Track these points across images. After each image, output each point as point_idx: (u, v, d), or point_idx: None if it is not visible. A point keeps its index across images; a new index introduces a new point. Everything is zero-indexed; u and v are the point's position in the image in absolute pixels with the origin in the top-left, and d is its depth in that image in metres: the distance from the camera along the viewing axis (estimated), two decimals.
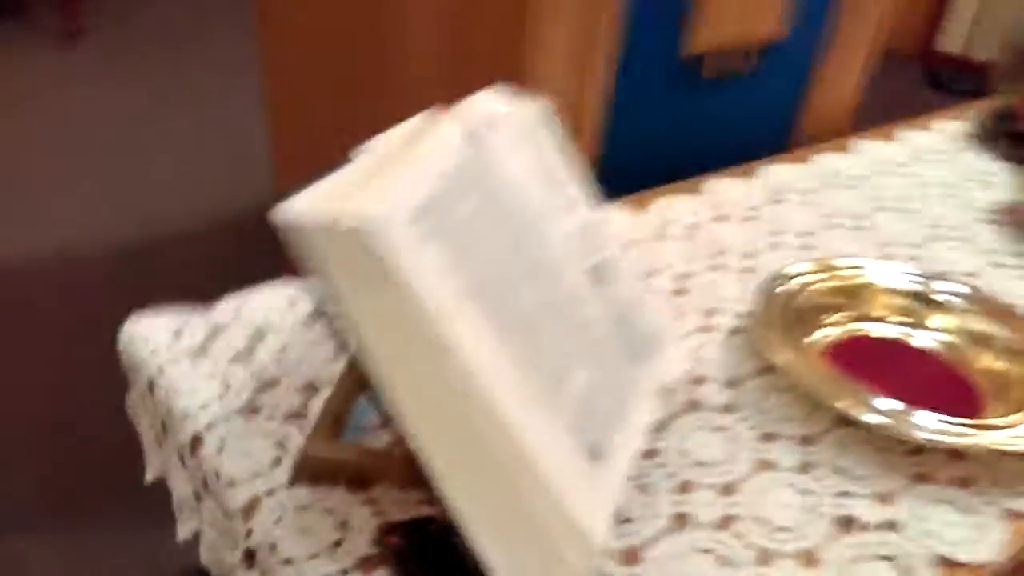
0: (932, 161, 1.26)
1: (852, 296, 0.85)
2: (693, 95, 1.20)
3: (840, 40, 1.33)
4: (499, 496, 0.50)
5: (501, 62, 1.02)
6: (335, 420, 0.64)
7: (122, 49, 3.05)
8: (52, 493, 1.42)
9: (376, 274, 0.47)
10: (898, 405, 0.69)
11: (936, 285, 0.86)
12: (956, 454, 0.69)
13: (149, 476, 0.78)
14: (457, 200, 0.53)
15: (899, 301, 0.85)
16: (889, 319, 0.84)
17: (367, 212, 0.46)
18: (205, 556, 0.69)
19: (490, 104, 0.66)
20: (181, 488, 0.71)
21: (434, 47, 1.12)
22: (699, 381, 0.76)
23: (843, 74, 1.37)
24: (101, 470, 1.44)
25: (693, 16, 1.11)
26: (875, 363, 0.78)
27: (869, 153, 1.26)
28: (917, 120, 1.38)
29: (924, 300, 0.85)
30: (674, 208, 1.05)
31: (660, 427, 0.70)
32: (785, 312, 0.80)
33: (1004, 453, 0.68)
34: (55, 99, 2.68)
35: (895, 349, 0.81)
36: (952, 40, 3.75)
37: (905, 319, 0.84)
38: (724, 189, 1.10)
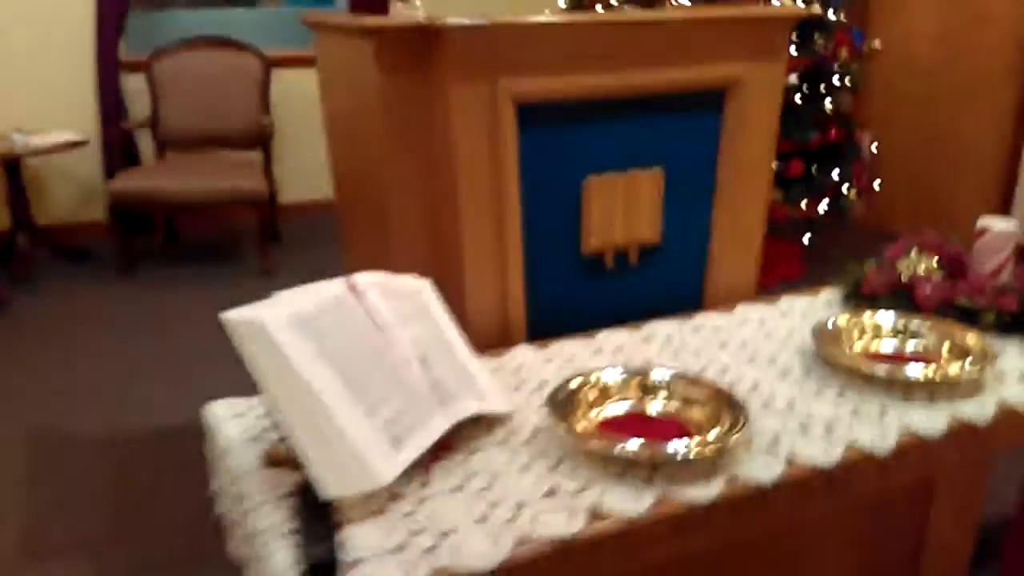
0: (787, 317, 1.72)
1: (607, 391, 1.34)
2: (603, 282, 1.76)
3: (721, 236, 1.85)
4: (326, 451, 1.06)
5: (448, 268, 1.64)
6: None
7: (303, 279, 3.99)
8: None
9: (261, 342, 1.07)
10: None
11: (653, 373, 1.35)
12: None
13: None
14: (325, 315, 1.14)
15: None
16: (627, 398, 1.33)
17: (260, 316, 1.08)
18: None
19: (379, 277, 1.27)
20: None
21: (420, 262, 1.76)
22: (517, 430, 1.28)
23: (734, 261, 1.88)
24: None
25: (583, 226, 1.70)
26: (624, 426, 1.27)
27: (747, 313, 1.74)
28: (811, 289, 1.86)
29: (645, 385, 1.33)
30: (565, 350, 1.58)
31: (476, 450, 1.22)
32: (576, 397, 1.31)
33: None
34: None
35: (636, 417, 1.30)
36: None
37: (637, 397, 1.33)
38: (609, 336, 1.63)
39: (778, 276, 3.68)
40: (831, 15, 3.38)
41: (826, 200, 3.42)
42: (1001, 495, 2.02)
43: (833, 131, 3.46)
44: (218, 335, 3.69)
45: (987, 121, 4.10)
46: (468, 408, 1.24)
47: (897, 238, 1.81)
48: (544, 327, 1.71)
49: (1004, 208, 4.08)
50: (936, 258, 1.74)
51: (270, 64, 4.53)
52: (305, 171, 4.95)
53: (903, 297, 1.68)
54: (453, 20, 1.49)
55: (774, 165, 3.37)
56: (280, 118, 4.75)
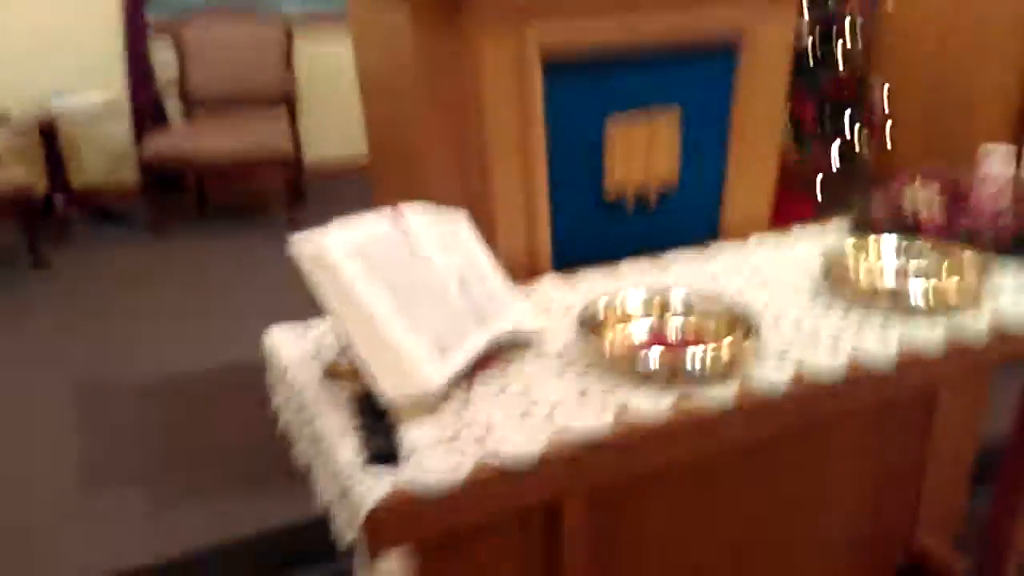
0: (798, 246, 1.83)
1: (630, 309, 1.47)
2: (624, 222, 1.88)
3: (736, 176, 1.96)
4: (383, 360, 1.19)
5: (480, 215, 1.76)
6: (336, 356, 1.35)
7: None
8: None
9: (326, 268, 1.20)
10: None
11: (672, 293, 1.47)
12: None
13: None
14: (376, 242, 1.27)
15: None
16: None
17: (323, 243, 1.20)
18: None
19: (422, 209, 1.39)
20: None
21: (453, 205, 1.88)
22: (549, 346, 1.40)
23: (748, 198, 1.99)
24: None
25: (606, 167, 1.81)
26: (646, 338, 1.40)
27: (760, 243, 1.86)
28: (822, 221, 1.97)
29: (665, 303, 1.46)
30: (589, 279, 1.70)
31: (513, 363, 1.35)
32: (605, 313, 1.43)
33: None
34: None
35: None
36: None
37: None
38: (630, 268, 1.75)
39: (792, 220, 3.76)
40: None
41: (838, 145, 3.50)
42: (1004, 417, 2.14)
43: (845, 84, 3.53)
44: (248, 288, 3.87)
45: (997, 72, 4.14)
46: (504, 325, 1.37)
47: None
48: (569, 263, 1.83)
49: (1016, 144, 4.13)
50: (938, 186, 1.84)
51: (293, 26, 4.63)
52: (329, 131, 5.07)
53: (907, 224, 1.79)
54: None
55: (787, 116, 3.47)
56: (304, 78, 4.86)
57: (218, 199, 4.88)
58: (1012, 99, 4.12)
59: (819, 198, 3.72)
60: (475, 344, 1.31)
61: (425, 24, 1.68)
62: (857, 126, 3.48)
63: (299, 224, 4.23)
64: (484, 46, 1.64)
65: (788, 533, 1.89)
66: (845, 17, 3.46)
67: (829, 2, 3.40)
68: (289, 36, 4.62)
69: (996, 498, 1.97)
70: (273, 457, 1.92)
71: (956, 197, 1.83)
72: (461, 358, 1.27)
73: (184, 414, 2.74)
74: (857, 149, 3.51)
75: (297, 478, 1.45)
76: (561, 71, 1.72)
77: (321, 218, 1.33)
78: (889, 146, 3.68)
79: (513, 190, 1.76)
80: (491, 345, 1.34)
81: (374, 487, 1.08)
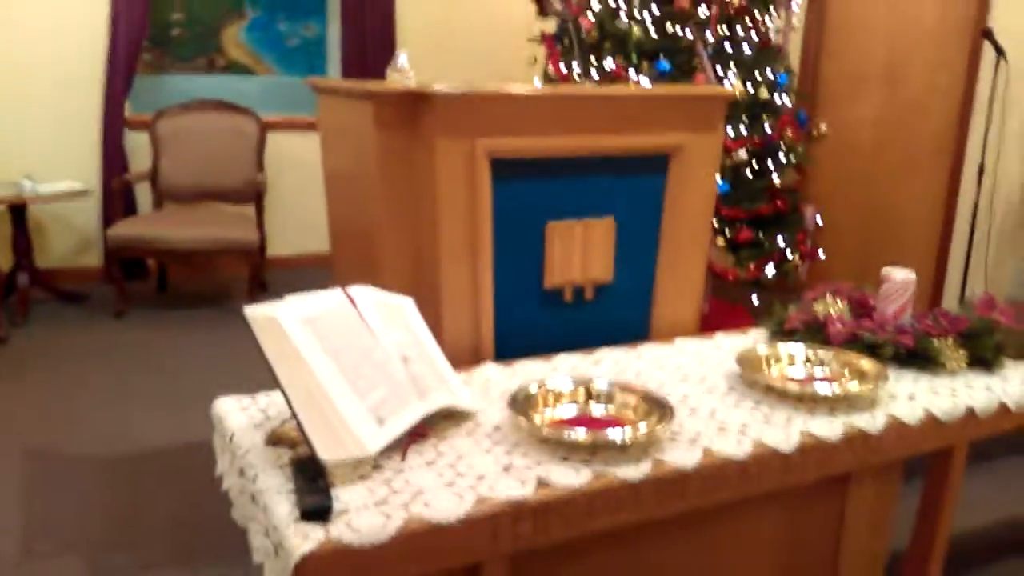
0: (719, 349, 1.99)
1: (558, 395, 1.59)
2: (561, 319, 2.03)
3: (665, 280, 2.13)
4: (323, 423, 1.30)
5: (429, 303, 1.91)
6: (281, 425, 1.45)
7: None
8: None
9: (275, 334, 1.32)
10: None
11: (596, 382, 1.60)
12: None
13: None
14: (326, 316, 1.39)
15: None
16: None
17: (276, 312, 1.33)
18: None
19: (371, 290, 1.53)
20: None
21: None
22: (482, 425, 1.52)
23: (676, 301, 2.16)
24: None
25: (545, 265, 1.98)
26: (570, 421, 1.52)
27: (685, 344, 2.01)
28: (738, 329, 2.13)
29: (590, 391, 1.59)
30: (526, 368, 1.84)
31: (446, 438, 1.46)
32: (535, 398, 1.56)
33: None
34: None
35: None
36: (952, 302, 4.36)
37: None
38: (565, 359, 1.88)
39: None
40: (777, 99, 3.75)
41: (772, 264, 3.73)
42: None
43: (779, 202, 3.79)
44: (205, 371, 3.89)
45: (920, 196, 4.48)
46: (442, 399, 1.49)
47: None
48: (509, 352, 1.96)
49: (938, 275, 4.42)
50: (847, 301, 2.03)
51: (265, 127, 4.85)
52: (293, 226, 5.24)
53: (817, 333, 1.96)
54: (439, 87, 1.79)
55: (724, 231, 3.70)
56: (272, 177, 5.05)
57: (180, 286, 4.97)
58: (934, 213, 4.43)
59: (755, 304, 3.92)
60: (412, 415, 1.42)
61: (387, 129, 1.86)
62: (788, 250, 3.73)
63: None
64: (439, 151, 1.82)
65: None
66: (779, 140, 3.75)
67: (765, 125, 3.70)
68: (262, 135, 4.84)
69: None
70: (218, 532, 1.96)
71: (862, 311, 2.02)
72: (398, 427, 1.38)
73: (131, 490, 2.76)
74: (789, 264, 3.74)
75: (239, 550, 1.51)
76: (508, 176, 1.91)
77: None
78: (815, 268, 3.92)
79: (460, 282, 1.91)
80: (427, 418, 1.46)
81: (304, 542, 1.16)
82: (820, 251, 4.05)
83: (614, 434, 1.41)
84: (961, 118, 4.29)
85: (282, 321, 1.32)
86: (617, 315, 2.11)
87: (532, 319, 2.02)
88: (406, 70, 2.07)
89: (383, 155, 1.88)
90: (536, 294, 2.01)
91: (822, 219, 4.06)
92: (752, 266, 3.73)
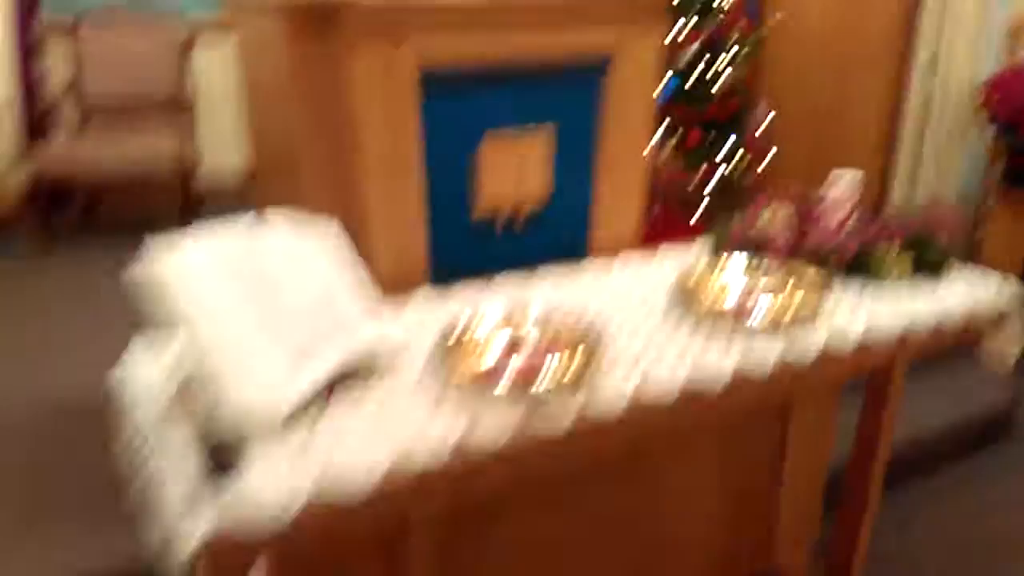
0: (661, 266, 1.92)
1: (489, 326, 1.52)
2: (497, 239, 1.94)
3: (604, 195, 2.04)
4: (234, 378, 1.21)
5: (353, 227, 1.80)
6: None
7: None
8: None
9: (174, 284, 1.21)
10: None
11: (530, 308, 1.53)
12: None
13: None
14: (237, 252, 1.29)
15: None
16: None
17: (171, 258, 1.22)
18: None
19: (290, 217, 1.42)
20: None
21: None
22: (409, 366, 1.44)
23: (616, 217, 2.07)
24: None
25: (477, 184, 1.87)
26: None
27: (626, 262, 1.94)
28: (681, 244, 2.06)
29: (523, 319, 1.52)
30: (461, 295, 1.75)
31: (371, 383, 1.38)
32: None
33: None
34: None
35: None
36: (898, 194, 4.36)
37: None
38: (502, 284, 1.80)
39: (679, 237, 3.90)
40: None
41: (723, 167, 3.65)
42: None
43: (729, 103, 3.68)
44: (127, 314, 3.66)
45: (872, 89, 4.39)
46: (363, 343, 1.40)
47: None
48: (446, 278, 1.87)
49: (887, 172, 4.38)
50: (792, 208, 1.96)
51: (195, 30, 4.57)
52: (228, 139, 5.00)
53: (760, 243, 1.89)
54: None
55: (676, 133, 3.60)
56: (205, 85, 4.79)
57: (109, 213, 4.75)
58: (884, 109, 4.37)
59: (702, 216, 3.87)
60: (330, 363, 1.34)
61: (298, 34, 1.71)
62: (739, 148, 3.64)
63: None
64: (357, 59, 1.68)
65: (645, 546, 1.97)
66: (730, 36, 3.61)
67: (714, 19, 3.55)
68: (190, 40, 4.56)
69: (837, 519, 2.11)
70: (116, 496, 1.85)
71: (806, 219, 1.95)
72: (315, 377, 1.30)
73: (55, 439, 2.66)
74: (736, 170, 3.66)
75: (138, 518, 1.43)
76: (438, 87, 1.77)
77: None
78: (767, 167, 3.85)
79: (388, 204, 1.80)
80: (349, 363, 1.38)
81: (210, 513, 1.09)
82: (770, 153, 3.97)
83: (546, 369, 1.35)
84: (911, 7, 4.17)
85: (180, 268, 1.22)
86: (557, 234, 2.02)
87: (468, 242, 1.93)
88: None
89: (298, 72, 1.74)
90: (468, 221, 1.91)
91: (775, 116, 3.97)
92: (703, 169, 3.64)
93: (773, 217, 1.92)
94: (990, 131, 3.84)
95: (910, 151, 4.23)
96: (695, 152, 3.64)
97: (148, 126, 4.52)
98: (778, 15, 4.48)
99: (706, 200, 3.72)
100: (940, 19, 3.98)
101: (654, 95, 2.09)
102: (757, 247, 1.90)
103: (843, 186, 1.91)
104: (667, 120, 3.57)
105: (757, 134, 3.75)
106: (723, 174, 3.67)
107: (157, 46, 4.54)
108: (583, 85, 1.94)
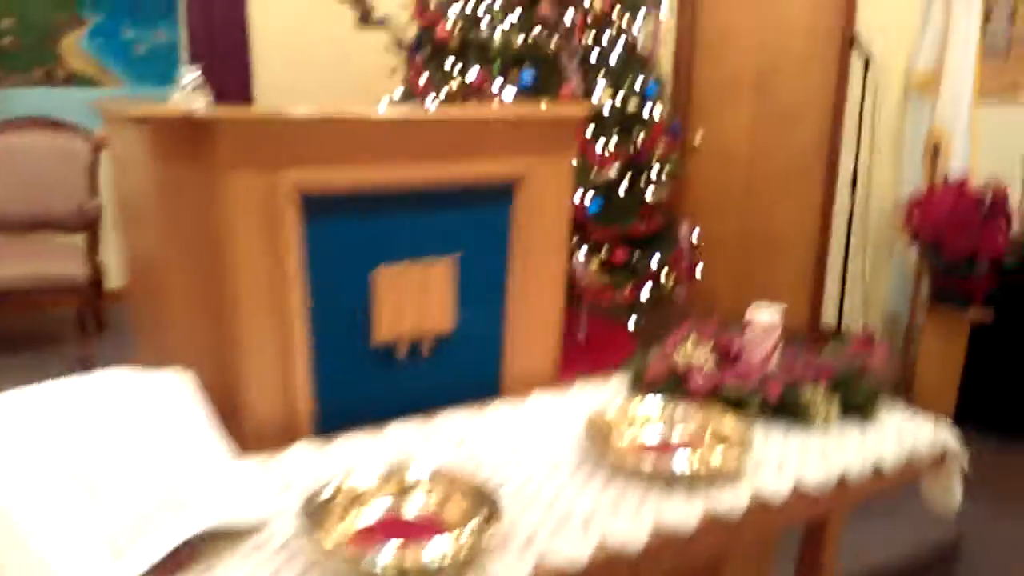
0: (575, 406, 1.75)
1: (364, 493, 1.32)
2: (396, 377, 1.76)
3: (516, 325, 1.89)
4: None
5: (226, 368, 1.60)
6: None
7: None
8: None
9: None
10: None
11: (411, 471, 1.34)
12: None
13: None
14: (52, 419, 1.08)
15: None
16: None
17: None
18: None
19: (128, 374, 1.22)
20: None
21: (201, 352, 1.71)
22: (271, 539, 1.23)
23: (529, 348, 1.92)
24: None
25: (373, 317, 1.70)
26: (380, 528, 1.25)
27: (538, 402, 1.76)
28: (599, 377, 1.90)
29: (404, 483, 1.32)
30: (347, 447, 1.55)
31: (218, 563, 1.16)
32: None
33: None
34: None
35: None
36: (830, 315, 4.31)
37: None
38: (397, 430, 1.61)
39: (606, 361, 3.76)
40: (647, 109, 3.58)
41: (648, 285, 3.55)
42: None
43: (653, 220, 3.63)
44: None
45: (797, 208, 4.41)
46: (212, 513, 1.19)
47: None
48: (333, 421, 1.67)
49: (816, 291, 4.36)
50: (711, 345, 1.83)
51: (100, 145, 4.39)
52: None
53: (679, 384, 1.74)
54: (227, 111, 1.49)
55: (599, 252, 3.50)
56: (110, 201, 4.58)
57: (4, 327, 4.45)
58: (811, 227, 4.37)
59: (632, 328, 3.76)
60: (167, 540, 1.12)
61: (166, 150, 1.54)
62: (664, 263, 3.56)
63: (92, 359, 3.90)
64: (231, 181, 1.51)
65: None
66: (652, 153, 3.58)
67: (636, 139, 3.52)
68: (96, 155, 4.37)
69: None
70: None
71: (726, 354, 1.82)
72: (146, 558, 1.08)
73: None
74: (663, 288, 3.58)
75: None
76: (325, 212, 1.62)
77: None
78: (696, 285, 3.78)
79: (265, 337, 1.61)
80: (191, 539, 1.16)
81: None
82: (698, 269, 3.91)
83: (427, 553, 1.15)
84: (833, 126, 4.24)
85: None
86: (463, 369, 1.85)
87: (361, 381, 1.74)
88: (197, 88, 1.74)
89: (164, 192, 1.57)
90: (365, 351, 1.73)
91: (700, 235, 3.93)
92: (628, 289, 3.54)
93: (692, 351, 1.78)
94: (915, 249, 3.84)
95: (838, 270, 4.21)
96: (620, 271, 3.55)
97: (50, 240, 4.28)
98: (700, 134, 4.52)
99: (631, 320, 3.62)
100: (861, 135, 4.04)
101: (565, 219, 1.97)
102: (675, 383, 1.75)
103: (765, 319, 1.79)
104: (587, 241, 3.47)
105: (682, 253, 3.68)
106: (650, 292, 3.57)
107: (64, 158, 4.35)
108: (488, 212, 1.81)
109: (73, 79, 5.13)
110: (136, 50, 5.29)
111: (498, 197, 1.81)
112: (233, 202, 1.52)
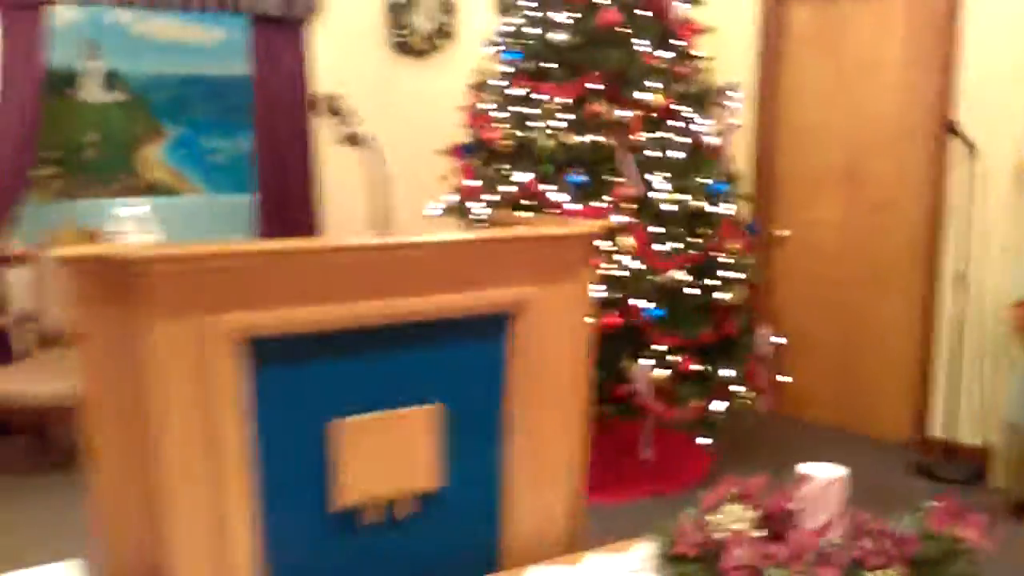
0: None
1: None
2: (366, 540, 1.47)
3: (518, 479, 1.58)
4: None
5: (155, 535, 1.36)
6: None
7: None
8: None
9: None
10: None
11: None
12: None
13: None
14: None
15: None
16: None
17: None
18: None
19: None
20: None
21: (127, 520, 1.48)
22: None
23: (538, 509, 1.60)
24: None
25: (336, 475, 1.43)
26: None
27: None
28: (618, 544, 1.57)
29: None
30: None
31: None
32: None
33: None
34: None
35: None
36: (938, 425, 3.79)
37: None
38: None
39: (679, 481, 3.39)
40: (712, 206, 3.26)
41: (720, 399, 3.18)
42: None
43: (727, 325, 3.27)
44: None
45: (898, 310, 3.94)
46: None
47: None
48: None
49: (920, 399, 3.84)
50: (757, 509, 1.48)
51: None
52: None
53: (714, 560, 1.40)
54: (153, 249, 1.29)
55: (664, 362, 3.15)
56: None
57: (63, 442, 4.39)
58: (912, 332, 3.88)
59: (708, 444, 3.37)
60: None
61: (89, 298, 1.34)
62: (738, 373, 3.19)
63: None
64: (157, 331, 1.29)
65: None
66: (723, 253, 3.25)
67: (702, 239, 3.20)
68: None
69: None
70: None
71: (778, 525, 1.46)
72: None
73: None
74: (741, 400, 3.19)
75: None
76: (278, 360, 1.39)
77: None
78: (783, 401, 3.37)
79: (200, 511, 1.35)
80: None
81: None
82: (780, 376, 3.50)
83: None
84: (933, 219, 3.79)
85: None
86: (452, 535, 1.55)
87: (325, 553, 1.47)
88: (140, 224, 1.55)
89: (90, 337, 1.36)
90: (328, 518, 1.46)
91: (790, 338, 3.54)
92: (695, 404, 3.17)
93: (728, 523, 1.44)
94: None
95: (947, 381, 3.71)
96: (690, 380, 3.18)
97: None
98: (785, 232, 4.17)
99: (702, 439, 3.24)
100: (967, 226, 3.59)
101: (580, 352, 1.67)
102: (711, 557, 1.40)
103: (819, 483, 1.43)
104: (651, 350, 3.14)
105: (759, 362, 3.30)
106: (723, 410, 3.19)
107: None
108: (479, 349, 1.54)
109: (152, 189, 5.22)
110: (215, 159, 5.38)
111: (490, 331, 1.54)
112: (159, 350, 1.30)
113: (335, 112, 3.60)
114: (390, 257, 1.44)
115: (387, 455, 1.47)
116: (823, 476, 1.44)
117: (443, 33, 4.88)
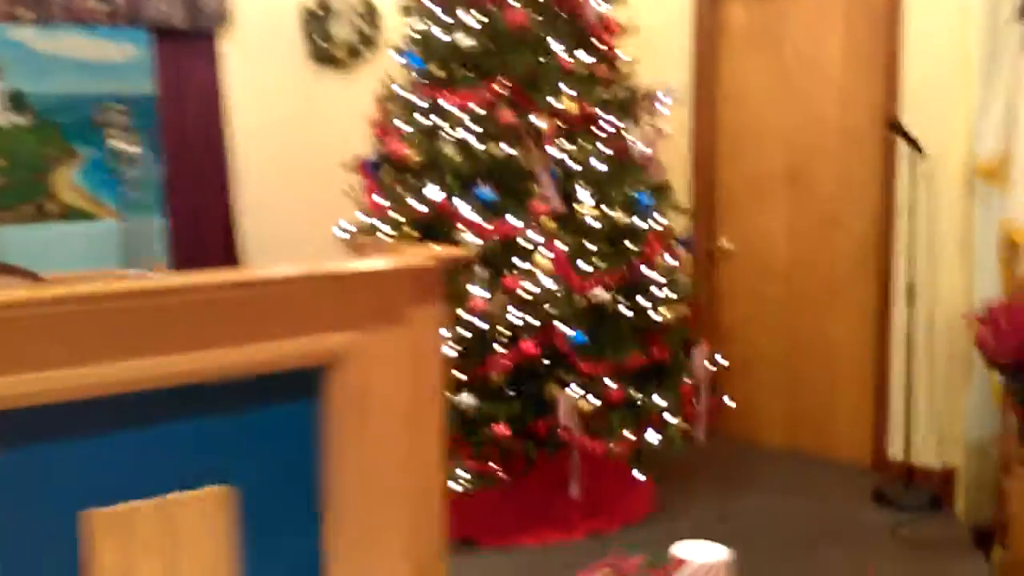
0: None
1: None
2: None
3: (345, 569, 1.29)
4: None
5: None
6: None
7: None
8: None
9: None
10: None
11: None
12: None
13: None
14: None
15: None
16: None
17: None
18: None
19: None
20: None
21: None
22: None
23: None
24: None
25: None
26: None
27: None
28: None
29: None
30: None
31: None
32: None
33: None
34: None
35: None
36: (897, 446, 3.53)
37: None
38: None
39: (618, 519, 3.11)
40: (639, 221, 2.99)
41: (654, 429, 2.90)
42: None
43: (659, 348, 2.99)
44: None
45: (850, 324, 3.68)
46: None
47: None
48: None
49: (878, 418, 3.59)
50: None
51: None
52: None
53: None
54: None
55: (586, 392, 2.87)
56: None
57: None
58: (868, 355, 3.63)
59: (644, 477, 3.09)
60: None
61: None
62: (670, 400, 2.92)
63: None
64: None
65: None
66: (650, 267, 2.98)
67: (627, 255, 2.93)
68: None
69: None
70: None
71: None
72: None
73: None
74: (673, 428, 2.92)
75: None
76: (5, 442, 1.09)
77: None
78: (730, 426, 3.10)
79: None
80: None
81: None
82: (725, 399, 3.23)
83: None
84: (882, 226, 3.54)
85: None
86: None
87: None
88: None
89: None
90: None
91: (738, 356, 3.28)
92: (626, 435, 2.89)
93: None
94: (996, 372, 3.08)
95: (902, 400, 3.45)
96: (617, 412, 2.90)
97: None
98: (724, 241, 3.91)
99: (636, 471, 2.95)
100: (916, 235, 3.34)
101: (431, 405, 1.39)
102: None
103: (695, 568, 1.15)
104: (574, 377, 2.86)
105: (694, 386, 3.03)
106: (658, 440, 2.91)
107: None
108: (280, 415, 1.25)
109: (67, 214, 4.92)
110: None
111: (298, 391, 1.26)
112: None
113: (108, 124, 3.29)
114: (154, 305, 1.15)
115: (161, 552, 1.18)
116: (701, 561, 1.16)
117: (366, 41, 4.59)
